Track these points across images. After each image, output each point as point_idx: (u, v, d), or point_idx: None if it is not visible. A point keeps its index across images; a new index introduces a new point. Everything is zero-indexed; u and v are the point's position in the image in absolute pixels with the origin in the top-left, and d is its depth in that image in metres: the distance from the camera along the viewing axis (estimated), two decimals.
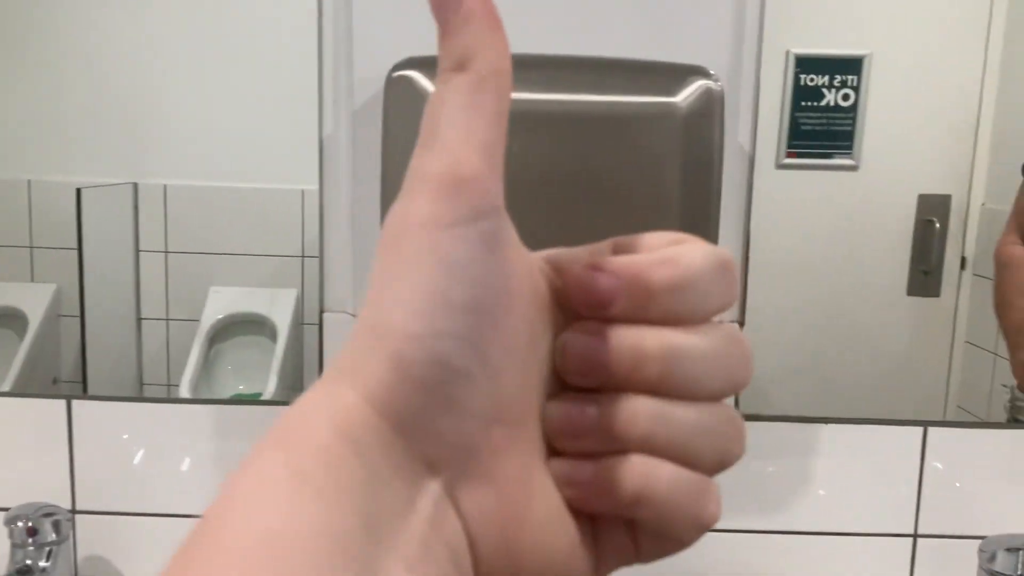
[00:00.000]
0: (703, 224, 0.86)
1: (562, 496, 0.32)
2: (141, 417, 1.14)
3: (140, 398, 1.20)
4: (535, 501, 0.31)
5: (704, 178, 0.84)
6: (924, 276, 1.25)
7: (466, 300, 0.29)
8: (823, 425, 1.12)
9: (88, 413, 1.13)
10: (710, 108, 0.83)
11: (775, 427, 1.12)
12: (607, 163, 0.84)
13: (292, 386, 1.27)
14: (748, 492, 1.14)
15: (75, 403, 1.12)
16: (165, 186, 1.24)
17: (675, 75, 0.84)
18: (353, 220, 1.03)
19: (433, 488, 0.29)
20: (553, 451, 0.32)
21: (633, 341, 0.32)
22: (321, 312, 1.07)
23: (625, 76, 0.85)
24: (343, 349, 0.30)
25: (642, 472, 0.31)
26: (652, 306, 0.32)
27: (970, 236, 1.24)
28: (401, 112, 0.85)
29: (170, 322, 1.27)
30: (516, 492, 0.31)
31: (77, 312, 1.24)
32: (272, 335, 1.28)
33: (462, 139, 0.30)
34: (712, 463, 0.33)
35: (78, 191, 1.22)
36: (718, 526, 1.04)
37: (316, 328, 1.21)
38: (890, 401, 1.25)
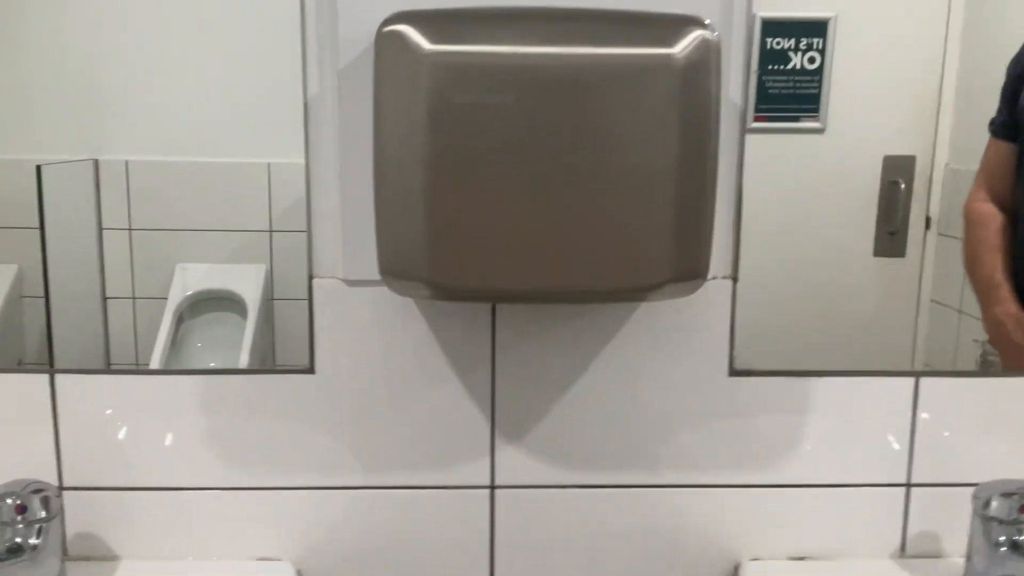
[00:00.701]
0: (699, 177, 0.86)
1: None
2: (124, 390, 1.12)
3: (125, 370, 1.18)
4: None
5: (702, 131, 0.84)
6: (890, 237, 1.26)
7: None
8: (816, 379, 1.14)
9: (70, 388, 1.11)
10: (707, 59, 0.83)
11: (768, 382, 1.14)
12: (604, 115, 0.83)
13: (263, 361, 1.25)
14: (745, 447, 1.15)
15: (58, 377, 1.10)
16: (127, 162, 1.22)
17: (671, 26, 0.83)
18: (341, 182, 1.01)
19: None
20: None
21: None
22: (310, 278, 1.06)
23: (621, 27, 0.84)
24: None
25: None
26: None
27: (935, 196, 1.25)
28: (392, 69, 0.84)
29: (136, 300, 1.25)
30: None
31: (40, 293, 1.21)
32: (241, 311, 1.26)
33: None
34: None
35: (38, 168, 1.18)
36: (716, 481, 1.03)
37: (286, 303, 1.20)
38: (858, 360, 1.26)
